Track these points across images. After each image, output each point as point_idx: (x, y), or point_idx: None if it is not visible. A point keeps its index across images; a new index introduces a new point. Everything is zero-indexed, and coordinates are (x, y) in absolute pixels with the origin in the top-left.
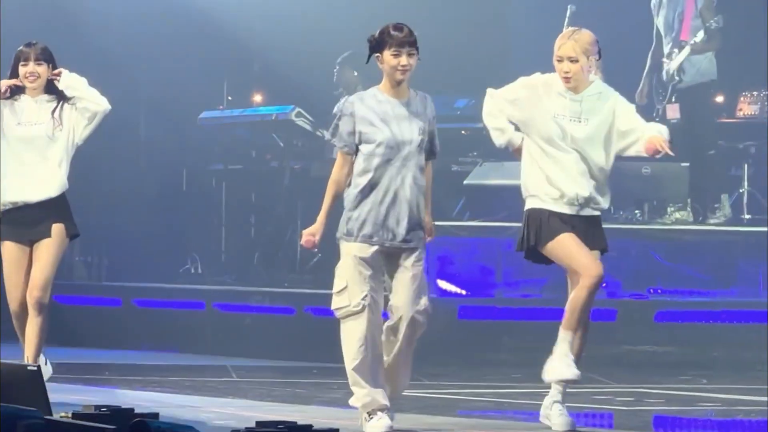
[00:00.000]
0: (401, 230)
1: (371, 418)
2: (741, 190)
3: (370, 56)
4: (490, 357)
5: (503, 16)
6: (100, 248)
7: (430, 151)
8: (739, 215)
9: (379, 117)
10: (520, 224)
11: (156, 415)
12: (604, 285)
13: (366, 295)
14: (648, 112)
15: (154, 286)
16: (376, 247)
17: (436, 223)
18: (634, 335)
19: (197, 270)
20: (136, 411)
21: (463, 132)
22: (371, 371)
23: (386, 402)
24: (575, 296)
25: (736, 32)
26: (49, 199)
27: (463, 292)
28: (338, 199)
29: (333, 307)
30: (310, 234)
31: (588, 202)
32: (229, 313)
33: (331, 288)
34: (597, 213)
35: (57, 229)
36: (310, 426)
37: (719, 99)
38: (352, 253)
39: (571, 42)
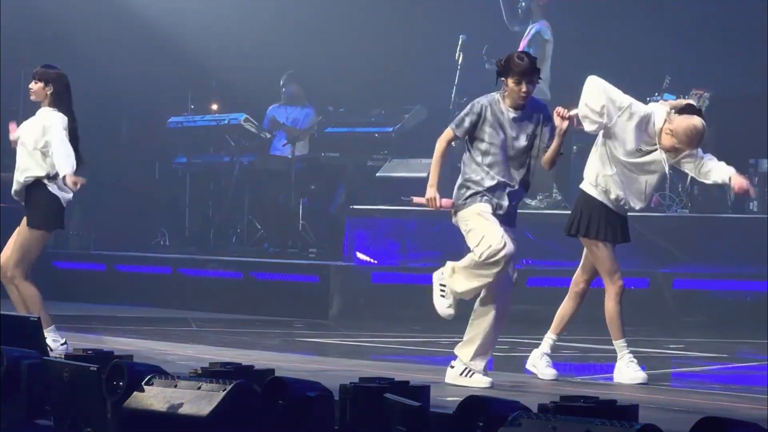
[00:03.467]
0: None
1: (449, 304)
2: None
3: (497, 79)
4: (397, 313)
5: (405, 30)
6: (89, 224)
7: None
8: None
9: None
10: (422, 208)
11: (131, 357)
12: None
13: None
14: None
15: (132, 254)
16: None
17: (355, 207)
18: (511, 297)
19: (165, 242)
20: (115, 354)
21: (376, 135)
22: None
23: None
24: (609, 308)
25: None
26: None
27: (375, 261)
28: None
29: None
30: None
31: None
32: (191, 277)
33: (270, 257)
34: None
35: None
36: (252, 366)
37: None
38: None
39: (694, 141)
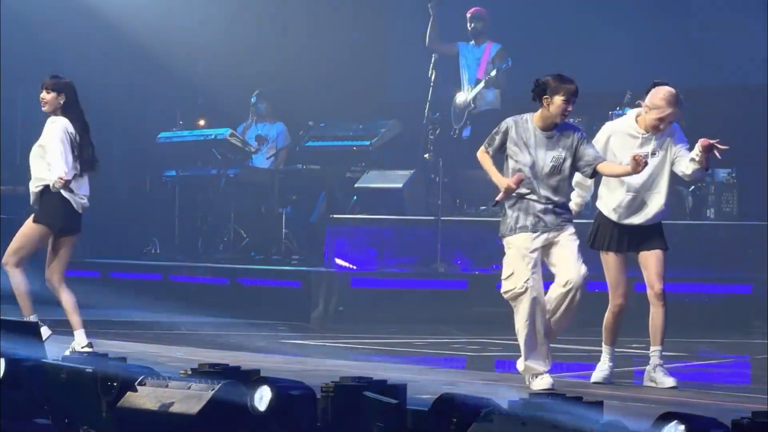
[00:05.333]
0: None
1: (534, 378)
2: None
3: (540, 96)
4: (375, 316)
5: (380, 50)
6: (85, 234)
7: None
8: None
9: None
10: (397, 217)
11: (124, 359)
12: (459, 262)
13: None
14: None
15: (125, 262)
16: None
17: (335, 216)
18: (481, 300)
19: (156, 250)
20: (109, 356)
21: (354, 149)
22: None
23: (541, 368)
24: (606, 318)
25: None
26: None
27: (355, 267)
28: None
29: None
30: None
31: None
32: (180, 282)
33: (255, 264)
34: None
35: None
36: (239, 367)
37: None
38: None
39: (674, 111)
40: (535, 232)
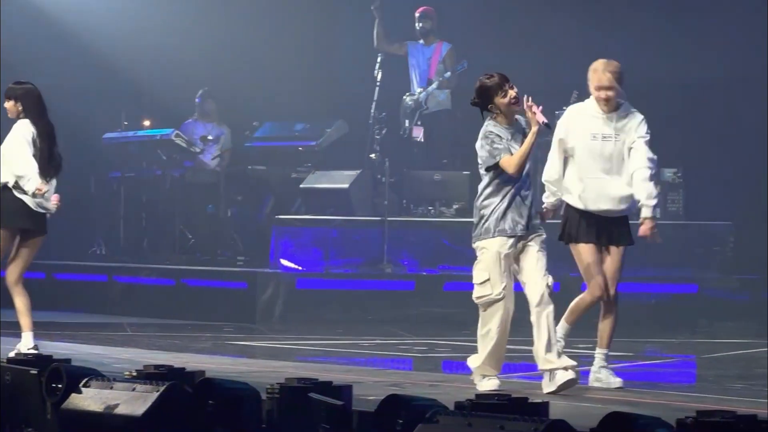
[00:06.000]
0: None
1: (483, 378)
2: None
3: (485, 108)
4: (320, 317)
5: (326, 49)
6: None
7: None
8: None
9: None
10: (343, 217)
11: (68, 361)
12: (405, 263)
13: None
14: (398, 130)
15: (70, 263)
16: None
17: (280, 216)
18: (428, 300)
19: (102, 251)
20: (54, 357)
21: (300, 149)
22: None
23: (494, 371)
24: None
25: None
26: None
27: (300, 268)
28: None
29: None
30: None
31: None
32: (126, 283)
33: (201, 265)
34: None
35: None
36: (184, 368)
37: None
38: None
39: (607, 75)
40: (512, 237)
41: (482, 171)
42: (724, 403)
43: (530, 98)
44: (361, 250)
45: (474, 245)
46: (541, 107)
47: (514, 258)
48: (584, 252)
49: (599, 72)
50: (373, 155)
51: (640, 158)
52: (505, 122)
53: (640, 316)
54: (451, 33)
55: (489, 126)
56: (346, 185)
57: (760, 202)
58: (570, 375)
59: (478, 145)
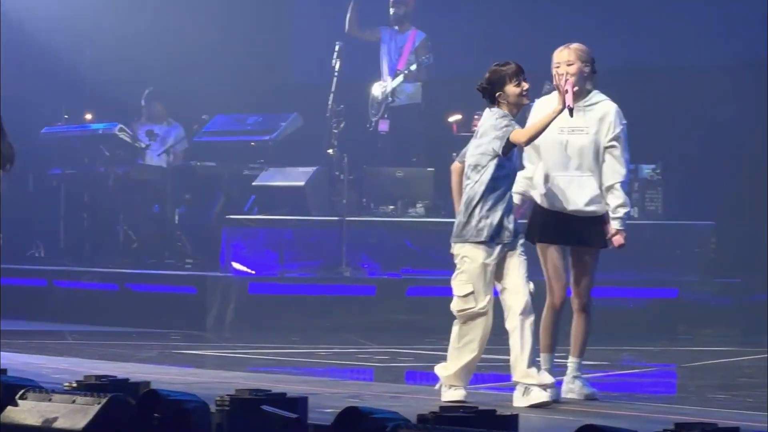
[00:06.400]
0: None
1: (450, 389)
2: None
3: (493, 96)
4: (275, 324)
5: (281, 38)
6: None
7: None
8: None
9: None
10: (299, 217)
11: (4, 371)
12: (365, 266)
13: None
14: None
15: (6, 266)
16: None
17: (231, 216)
18: (390, 306)
19: (41, 254)
20: None
21: (252, 144)
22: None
23: (463, 383)
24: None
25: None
26: None
27: (253, 271)
28: None
29: None
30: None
31: None
32: (66, 289)
33: (146, 268)
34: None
35: None
36: (128, 379)
37: (455, 117)
38: None
39: (567, 50)
40: (497, 244)
41: (477, 164)
42: (704, 415)
43: (571, 76)
44: (317, 253)
45: (454, 250)
46: (576, 88)
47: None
48: (548, 253)
49: (556, 51)
50: (330, 150)
51: (613, 167)
52: (512, 113)
53: (617, 322)
54: (427, 21)
55: (499, 112)
56: (301, 183)
57: (744, 200)
58: (546, 396)
59: (487, 136)
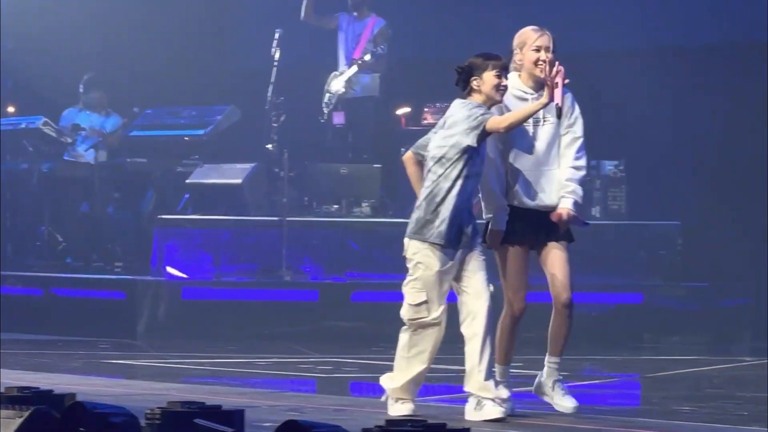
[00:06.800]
0: None
1: (397, 402)
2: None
3: (468, 80)
4: (210, 332)
5: (217, 26)
6: None
7: None
8: None
9: None
10: (236, 217)
11: None
12: (308, 270)
13: None
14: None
15: None
16: None
17: (164, 216)
18: (334, 313)
19: None
20: None
21: (186, 138)
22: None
23: (411, 396)
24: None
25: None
26: None
27: (187, 276)
28: None
29: None
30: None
31: None
32: None
33: (73, 272)
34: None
35: None
36: (51, 390)
37: (404, 110)
38: None
39: (547, 36)
40: (458, 249)
41: (443, 156)
42: (669, 428)
43: (561, 67)
44: (256, 255)
45: (409, 248)
46: (567, 81)
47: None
48: (512, 256)
49: (535, 33)
50: (270, 146)
51: (572, 154)
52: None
53: (578, 330)
54: (389, 7)
55: (473, 103)
56: (239, 180)
57: (712, 198)
58: (500, 412)
59: (458, 127)
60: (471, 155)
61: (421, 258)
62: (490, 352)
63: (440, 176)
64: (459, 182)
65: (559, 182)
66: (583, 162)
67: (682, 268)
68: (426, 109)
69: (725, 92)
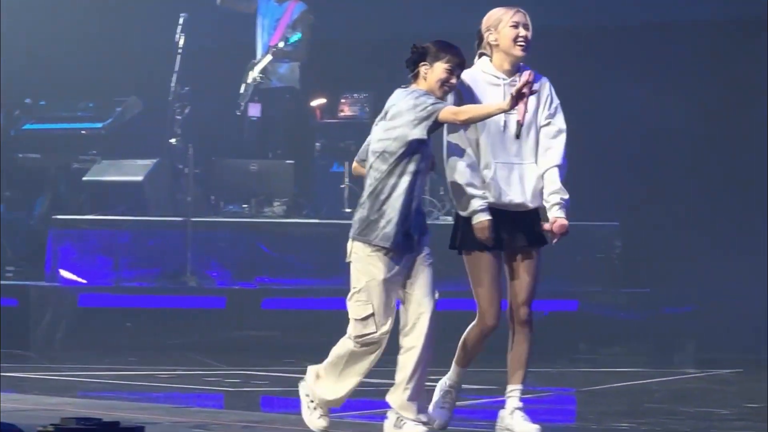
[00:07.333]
0: None
1: (314, 411)
2: (342, 186)
3: (417, 63)
4: (109, 342)
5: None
6: None
7: None
8: (341, 209)
9: None
10: (136, 218)
11: None
12: (214, 275)
13: None
14: (227, 107)
15: None
16: None
17: (59, 217)
18: (242, 321)
19: None
20: None
21: (83, 132)
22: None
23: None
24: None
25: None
26: None
27: (84, 281)
28: None
29: None
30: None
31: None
32: None
33: None
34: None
35: None
36: None
37: (319, 102)
38: None
39: (522, 12)
40: (403, 253)
41: (384, 150)
42: None
43: (531, 76)
44: (158, 259)
45: (350, 256)
46: (535, 92)
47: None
48: (482, 263)
49: (510, 10)
50: (173, 140)
51: (556, 151)
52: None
53: (507, 339)
54: None
55: (419, 91)
56: (139, 178)
57: (653, 198)
58: (421, 431)
59: (402, 117)
60: (417, 149)
61: (364, 266)
62: (423, 368)
63: (383, 173)
64: (405, 179)
65: (538, 179)
66: (565, 160)
67: (621, 273)
68: (343, 100)
69: (662, 86)
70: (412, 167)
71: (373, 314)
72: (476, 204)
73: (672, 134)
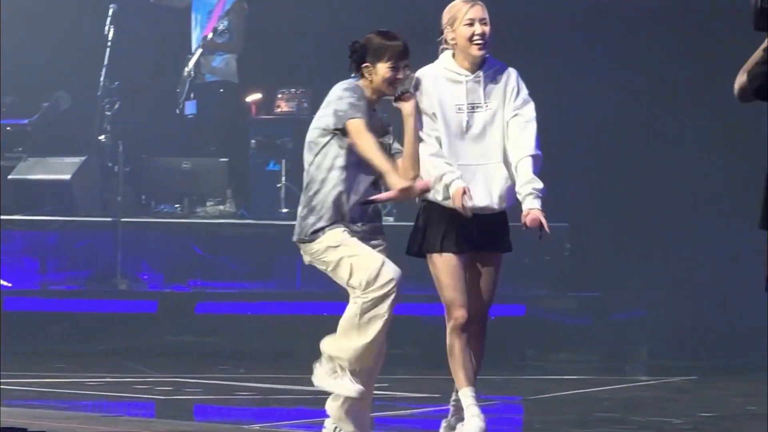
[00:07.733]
0: None
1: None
2: (279, 185)
3: (359, 64)
4: (36, 348)
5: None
6: None
7: None
8: (277, 209)
9: None
10: (64, 218)
11: None
12: (145, 277)
13: None
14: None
15: None
16: None
17: None
18: (174, 326)
19: None
20: None
21: (8, 128)
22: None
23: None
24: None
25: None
26: None
27: (10, 284)
28: None
29: None
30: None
31: None
32: None
33: None
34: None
35: None
36: None
37: (254, 97)
38: None
39: (479, 6)
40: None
41: (311, 141)
42: None
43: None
44: (87, 261)
45: (305, 257)
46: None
47: None
48: (448, 266)
49: (465, 5)
50: (102, 137)
51: (527, 141)
52: (372, 97)
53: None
54: None
55: (350, 83)
56: (67, 176)
57: (603, 198)
58: (354, 391)
59: (330, 107)
60: (345, 142)
61: (324, 245)
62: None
63: (311, 164)
64: (334, 173)
65: (506, 178)
66: (539, 151)
67: (569, 276)
68: (280, 96)
69: (616, 80)
70: (342, 161)
71: (383, 263)
72: (450, 177)
73: (621, 134)
